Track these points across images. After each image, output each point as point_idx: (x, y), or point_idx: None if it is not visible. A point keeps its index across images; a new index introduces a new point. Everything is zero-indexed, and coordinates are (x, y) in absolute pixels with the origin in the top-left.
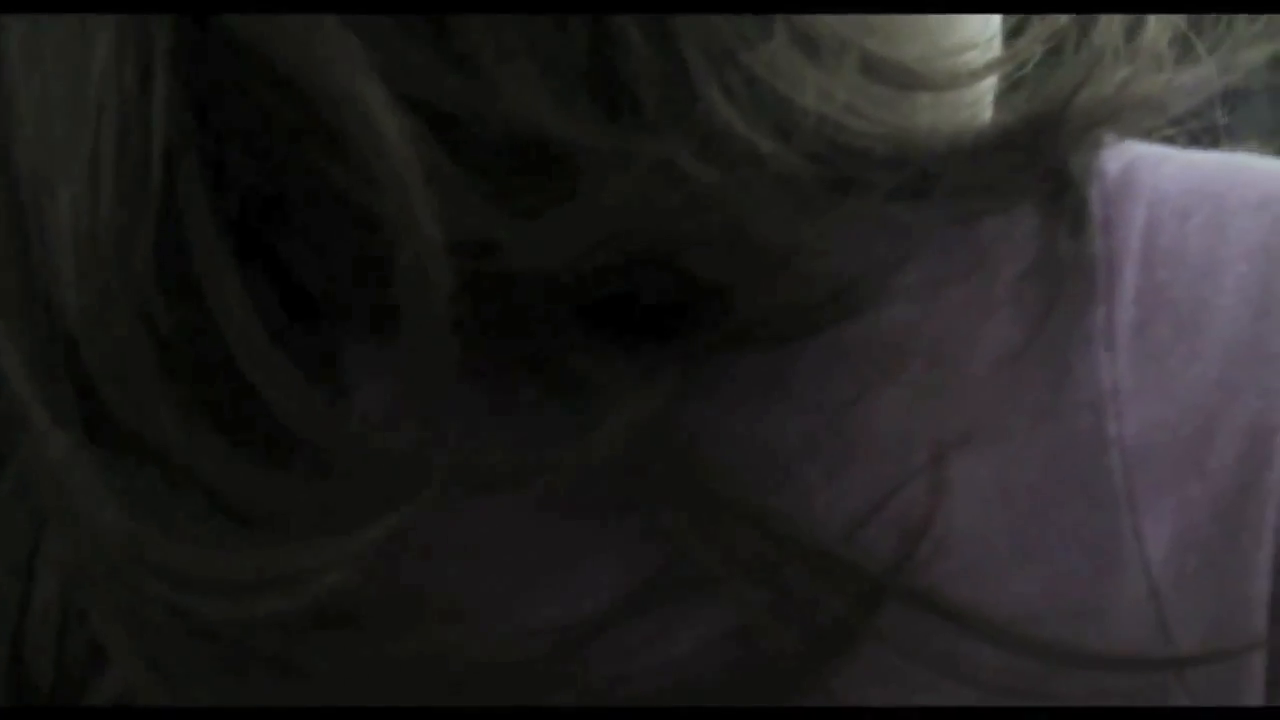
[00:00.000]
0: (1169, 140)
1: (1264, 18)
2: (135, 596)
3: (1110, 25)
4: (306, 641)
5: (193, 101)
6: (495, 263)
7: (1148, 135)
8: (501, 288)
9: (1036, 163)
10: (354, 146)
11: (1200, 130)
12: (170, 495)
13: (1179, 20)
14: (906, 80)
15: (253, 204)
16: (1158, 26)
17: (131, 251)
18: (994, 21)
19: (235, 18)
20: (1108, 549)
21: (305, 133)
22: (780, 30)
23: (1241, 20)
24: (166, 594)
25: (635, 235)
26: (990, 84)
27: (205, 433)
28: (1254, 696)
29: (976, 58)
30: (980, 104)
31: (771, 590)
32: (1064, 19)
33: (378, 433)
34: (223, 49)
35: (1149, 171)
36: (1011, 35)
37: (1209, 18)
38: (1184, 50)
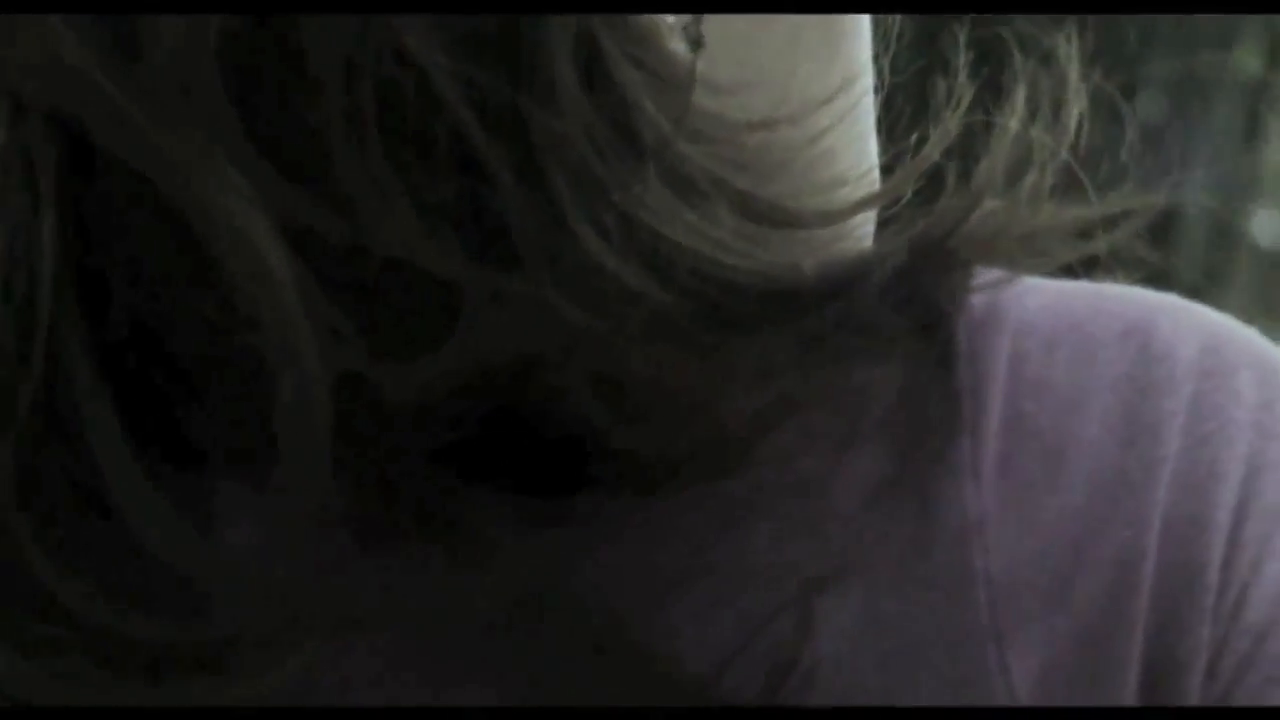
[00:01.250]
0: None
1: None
2: None
3: (993, 165)
4: None
5: (79, 233)
6: (372, 401)
7: (1020, 270)
8: (377, 427)
9: (907, 298)
10: (238, 281)
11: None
12: (39, 630)
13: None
14: (779, 217)
15: (135, 337)
16: (1041, 171)
17: (12, 387)
18: (869, 156)
19: (123, 147)
20: (973, 683)
21: (190, 266)
22: (653, 168)
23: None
24: None
25: (508, 376)
26: (868, 219)
27: (75, 572)
28: None
29: (849, 194)
30: (856, 239)
31: None
32: (938, 157)
33: (249, 569)
34: (110, 180)
35: (1014, 303)
36: (884, 172)
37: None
38: (1069, 189)
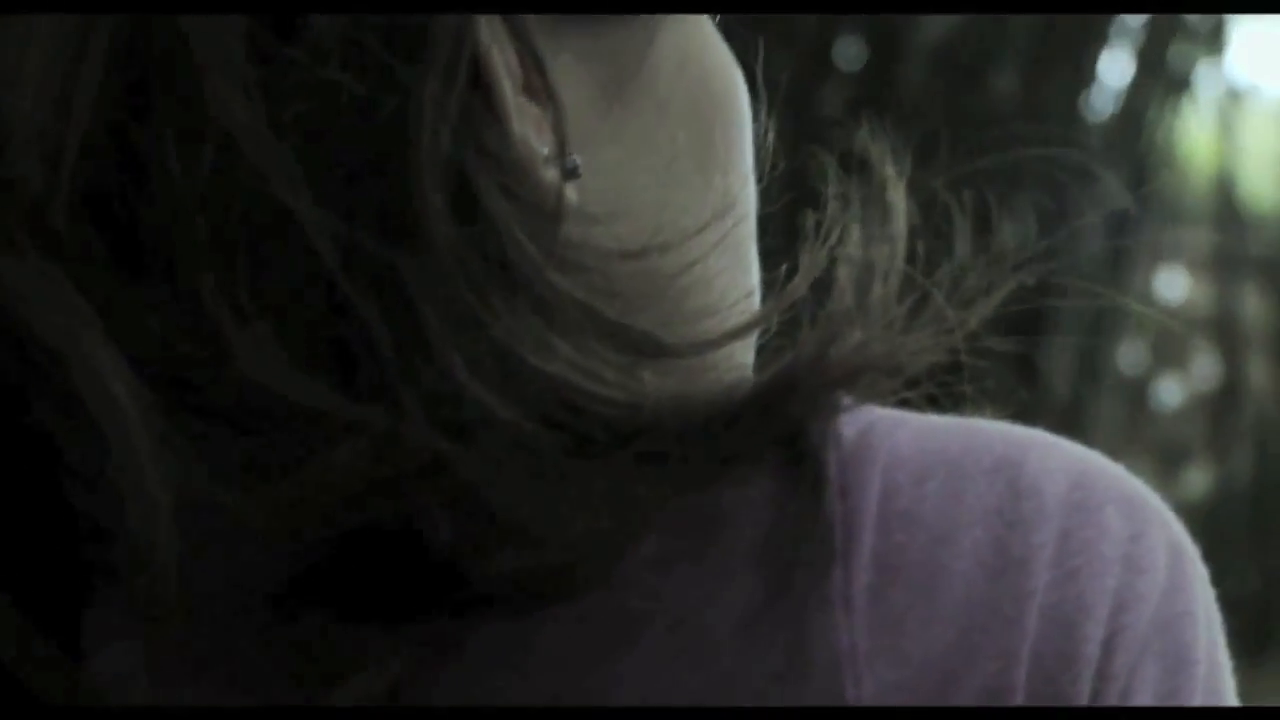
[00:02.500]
0: (906, 404)
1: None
2: None
3: (842, 291)
4: None
5: None
6: (223, 527)
7: (886, 399)
8: (229, 553)
9: (773, 429)
10: (83, 409)
11: (937, 395)
12: None
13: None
14: (650, 347)
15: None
16: (884, 288)
17: None
18: (746, 285)
19: None
20: None
21: (36, 393)
22: (524, 298)
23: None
24: None
25: (366, 503)
26: (745, 347)
27: None
28: None
29: (720, 324)
30: (730, 367)
31: None
32: (804, 288)
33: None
34: None
35: (885, 436)
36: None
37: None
38: (917, 309)
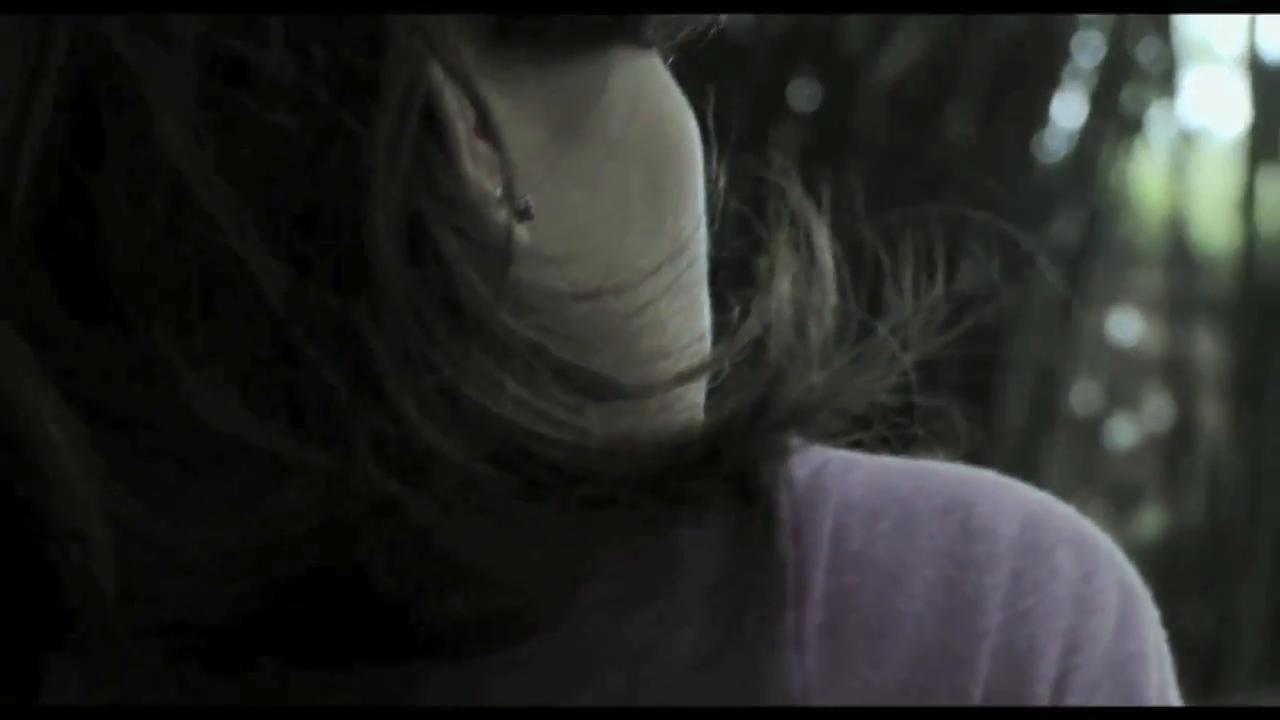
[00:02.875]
0: (859, 446)
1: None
2: None
3: (792, 332)
4: None
5: None
6: (174, 567)
7: (839, 441)
8: (178, 595)
9: (724, 470)
10: (24, 451)
11: (889, 436)
12: None
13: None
14: (601, 389)
15: None
16: (834, 330)
17: None
18: (698, 328)
19: None
20: None
21: None
22: (473, 338)
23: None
24: None
25: (315, 545)
26: (697, 389)
27: None
28: None
29: (672, 366)
30: (682, 409)
31: None
32: (759, 329)
33: None
34: None
35: (837, 477)
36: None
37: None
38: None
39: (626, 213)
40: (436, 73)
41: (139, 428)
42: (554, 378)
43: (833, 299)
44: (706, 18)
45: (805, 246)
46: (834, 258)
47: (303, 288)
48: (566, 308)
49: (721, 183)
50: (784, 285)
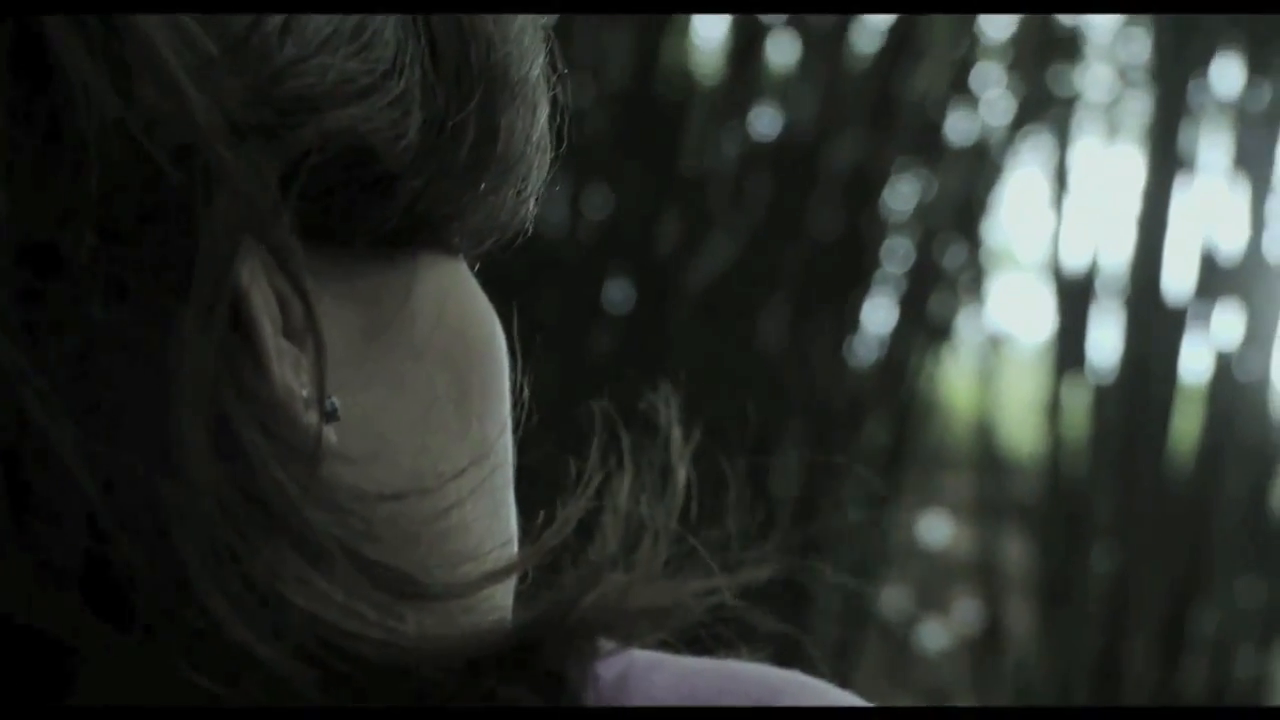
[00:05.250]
0: (667, 645)
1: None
2: None
3: (607, 540)
4: None
5: None
6: None
7: (646, 641)
8: None
9: (532, 670)
10: None
11: (699, 635)
12: None
13: (680, 531)
14: (408, 588)
15: None
16: (652, 543)
17: None
18: (505, 530)
19: None
20: None
21: None
22: (281, 534)
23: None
24: None
25: None
26: (504, 590)
27: None
28: None
29: (478, 568)
30: (493, 609)
31: None
32: (563, 536)
33: None
34: None
35: (641, 679)
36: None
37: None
38: (682, 560)
39: (431, 416)
40: (244, 274)
41: None
42: (362, 575)
43: (666, 507)
44: (515, 225)
45: (642, 453)
46: (639, 465)
47: (114, 479)
48: (373, 508)
49: (531, 383)
50: (614, 491)
